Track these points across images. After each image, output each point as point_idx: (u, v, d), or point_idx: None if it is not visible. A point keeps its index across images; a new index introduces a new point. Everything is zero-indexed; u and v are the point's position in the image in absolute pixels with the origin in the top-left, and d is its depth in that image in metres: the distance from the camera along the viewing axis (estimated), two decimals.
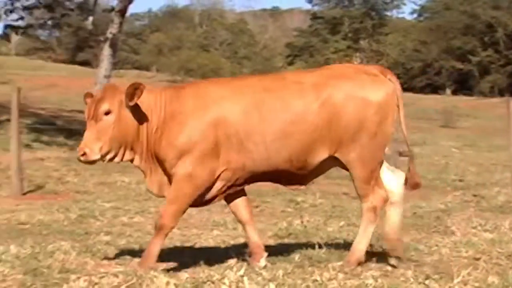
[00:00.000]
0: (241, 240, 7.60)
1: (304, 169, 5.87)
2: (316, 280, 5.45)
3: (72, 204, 10.32)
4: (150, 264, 5.70)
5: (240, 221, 6.30)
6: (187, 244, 7.69)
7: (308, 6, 67.06)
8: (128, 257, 6.53)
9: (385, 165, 6.09)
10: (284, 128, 5.70)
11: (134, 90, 5.61)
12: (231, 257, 6.44)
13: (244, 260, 6.17)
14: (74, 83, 36.84)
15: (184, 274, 5.52)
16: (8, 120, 14.59)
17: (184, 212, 5.86)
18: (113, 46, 22.06)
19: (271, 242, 7.56)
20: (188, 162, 5.64)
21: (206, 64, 54.40)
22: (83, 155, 5.64)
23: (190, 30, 73.51)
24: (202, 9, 78.81)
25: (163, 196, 5.91)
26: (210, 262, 6.33)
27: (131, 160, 5.87)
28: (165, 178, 5.83)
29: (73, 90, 33.80)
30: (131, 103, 5.62)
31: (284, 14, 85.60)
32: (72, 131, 21.42)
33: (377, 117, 5.78)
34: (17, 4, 23.51)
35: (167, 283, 5.23)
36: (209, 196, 5.89)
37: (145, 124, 5.75)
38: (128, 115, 5.69)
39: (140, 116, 5.73)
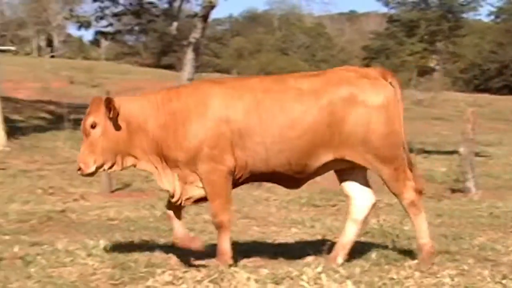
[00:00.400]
0: (319, 238, 7.58)
1: (302, 173, 5.83)
2: (393, 278, 5.39)
3: (157, 201, 10.46)
4: (226, 260, 5.75)
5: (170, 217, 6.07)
6: (266, 241, 7.70)
7: (384, 9, 66.13)
8: (209, 253, 6.58)
9: (358, 184, 6.03)
10: (282, 132, 5.63)
11: (108, 104, 5.62)
12: (309, 254, 6.42)
13: (321, 257, 6.14)
14: (158, 86, 37.39)
15: (264, 270, 5.52)
16: None
17: (229, 202, 5.76)
18: (196, 50, 22.30)
19: None
20: (205, 159, 5.61)
21: (284, 67, 54.43)
22: (79, 169, 5.72)
23: (269, 34, 73.69)
24: (281, 13, 78.95)
25: (177, 194, 5.82)
26: (288, 259, 6.33)
27: (134, 165, 5.87)
28: (175, 175, 5.78)
29: None
30: (110, 115, 5.63)
31: (360, 17, 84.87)
32: None
33: (382, 118, 5.71)
34: (107, 12, 24.01)
35: (248, 279, 5.25)
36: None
37: (141, 129, 5.71)
38: (113, 125, 5.68)
39: (128, 124, 5.70)
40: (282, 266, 5.72)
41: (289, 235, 8.10)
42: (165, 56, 62.28)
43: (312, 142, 5.64)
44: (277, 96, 5.67)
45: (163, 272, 5.52)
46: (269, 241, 7.75)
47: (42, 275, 5.54)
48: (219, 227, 5.80)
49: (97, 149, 5.66)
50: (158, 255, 6.42)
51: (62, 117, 19.11)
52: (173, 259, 6.29)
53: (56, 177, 12.40)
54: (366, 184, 6.08)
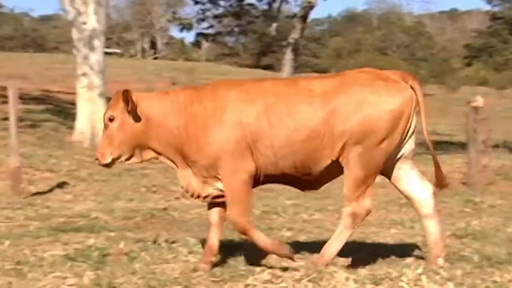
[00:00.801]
0: (419, 239, 7.45)
1: (310, 176, 5.70)
2: (496, 282, 5.24)
3: (256, 200, 10.52)
4: (281, 249, 5.69)
5: (209, 220, 6.04)
6: (366, 242, 7.63)
7: (487, 7, 64.44)
8: (308, 252, 6.58)
9: (414, 175, 5.85)
10: (289, 134, 5.54)
11: (126, 97, 5.64)
12: (409, 255, 6.32)
13: (422, 258, 6.03)
14: None
15: (363, 271, 5.48)
16: None
17: (249, 206, 5.70)
18: (295, 50, 22.36)
19: (449, 241, 7.34)
20: (225, 163, 5.57)
21: (383, 67, 53.75)
22: (97, 159, 5.79)
23: (368, 34, 73.05)
24: (380, 13, 78.09)
25: (192, 192, 5.82)
26: (388, 260, 6.25)
27: (156, 158, 5.88)
28: (191, 173, 5.76)
29: None
30: (129, 109, 5.65)
31: (462, 15, 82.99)
32: None
33: (388, 124, 5.52)
34: (208, 14, 24.40)
35: (347, 279, 5.22)
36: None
37: (160, 126, 5.71)
38: (131, 119, 5.70)
39: (146, 119, 5.71)
40: (381, 267, 5.66)
41: (388, 236, 8.00)
42: (264, 56, 62.69)
43: (316, 144, 5.54)
44: (286, 99, 5.59)
45: (263, 270, 5.55)
46: (368, 241, 7.67)
47: (146, 271, 5.67)
48: (245, 233, 5.77)
49: (114, 142, 5.72)
50: (257, 254, 6.46)
51: None
52: (272, 257, 6.32)
53: (159, 175, 12.66)
54: (417, 175, 5.88)
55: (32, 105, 24.33)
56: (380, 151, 5.52)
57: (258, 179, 5.71)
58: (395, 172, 5.85)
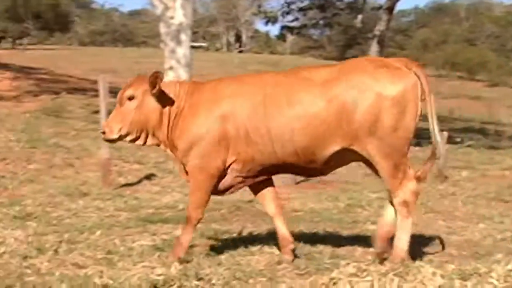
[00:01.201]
0: (508, 234, 7.26)
1: (314, 163, 5.68)
2: None
3: (341, 193, 10.49)
4: (180, 253, 5.71)
5: (268, 213, 6.08)
6: (453, 237, 7.49)
7: None
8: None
9: None
10: (287, 122, 5.54)
11: (155, 79, 5.72)
12: (498, 251, 6.16)
13: None
14: None
15: (450, 266, 5.36)
16: None
17: (206, 201, 5.78)
18: (381, 42, 22.09)
19: None
20: (197, 151, 5.66)
21: (471, 58, 52.55)
22: (103, 133, 5.90)
23: (455, 25, 71.44)
24: (468, 3, 76.26)
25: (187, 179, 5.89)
26: (476, 255, 6.11)
27: (157, 145, 5.98)
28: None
29: None
30: (154, 91, 5.74)
31: None
32: None
33: (394, 110, 5.45)
34: (293, 6, 24.38)
35: (434, 274, 5.13)
36: (223, 186, 5.84)
37: (166, 114, 5.84)
38: (150, 103, 5.82)
39: (162, 105, 5.83)
40: (470, 262, 5.54)
41: (476, 231, 7.82)
42: (349, 49, 62.17)
43: (318, 132, 5.52)
44: (285, 89, 5.62)
45: (348, 264, 5.51)
46: (456, 236, 7.52)
47: (231, 263, 5.72)
48: (187, 221, 5.81)
49: (126, 120, 5.83)
50: (342, 247, 6.43)
51: None
52: (357, 251, 6.28)
53: None
54: None
55: None
56: (398, 139, 5.49)
57: (249, 171, 5.76)
58: None
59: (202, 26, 77.50)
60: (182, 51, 16.85)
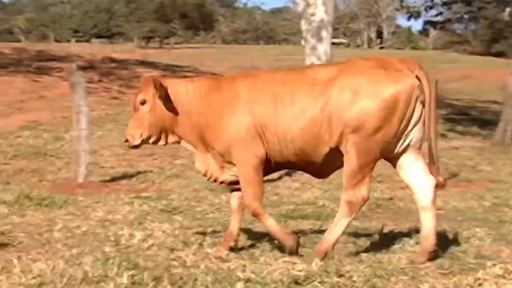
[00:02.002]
0: None
1: (313, 164, 5.77)
2: None
3: (486, 192, 10.16)
4: (285, 237, 5.85)
5: (231, 208, 6.21)
6: None
7: None
8: None
9: (418, 166, 5.73)
10: (290, 122, 5.65)
11: (156, 83, 5.88)
12: None
13: None
14: (488, 74, 36.20)
15: None
16: None
17: (260, 190, 5.85)
18: None
19: None
20: (236, 150, 5.77)
21: None
22: (126, 141, 6.06)
23: None
24: None
25: (210, 176, 6.04)
26: None
27: (178, 142, 6.11)
28: (210, 157, 5.97)
29: (487, 81, 33.21)
30: (159, 95, 5.88)
31: None
32: (485, 122, 21.09)
33: (382, 113, 5.45)
34: (437, 0, 23.78)
35: None
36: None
37: (184, 112, 5.95)
38: (161, 103, 5.94)
39: (174, 104, 5.95)
40: None
41: None
42: (495, 43, 59.90)
43: (313, 132, 5.60)
44: (290, 87, 5.70)
45: (494, 265, 5.33)
46: None
47: (372, 260, 5.67)
48: (256, 216, 5.95)
49: (144, 124, 5.98)
50: (487, 247, 6.22)
51: None
52: (504, 252, 6.06)
53: (383, 165, 12.61)
54: (421, 167, 5.75)
55: None
56: (375, 141, 5.51)
57: (269, 166, 5.87)
58: (399, 161, 5.79)
59: (342, 22, 77.18)
60: (323, 47, 16.84)
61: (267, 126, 5.73)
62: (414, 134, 5.68)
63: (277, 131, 5.71)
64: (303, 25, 17.09)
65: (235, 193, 6.14)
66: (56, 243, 6.21)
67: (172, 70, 30.97)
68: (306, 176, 11.81)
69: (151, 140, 6.09)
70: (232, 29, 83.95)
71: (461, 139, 18.49)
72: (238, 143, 5.78)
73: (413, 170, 5.78)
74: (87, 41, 69.47)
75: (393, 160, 5.82)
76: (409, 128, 5.63)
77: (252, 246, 6.28)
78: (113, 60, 33.45)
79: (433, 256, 5.73)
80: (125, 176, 11.79)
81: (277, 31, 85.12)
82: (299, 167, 5.98)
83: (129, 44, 65.40)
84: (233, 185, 6.08)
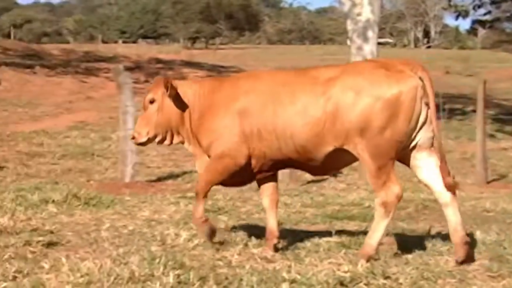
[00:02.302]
0: None
1: (314, 161, 5.84)
2: None
3: None
4: (197, 221, 6.03)
5: (263, 205, 6.30)
6: None
7: None
8: None
9: (431, 164, 5.73)
10: (290, 120, 5.72)
11: (167, 83, 6.04)
12: None
13: None
14: None
15: None
16: (474, 111, 14.68)
17: (213, 184, 6.02)
18: None
19: None
20: (217, 145, 5.91)
21: None
22: (133, 138, 6.28)
23: None
24: None
25: None
26: None
27: (182, 143, 6.27)
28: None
29: None
30: (168, 93, 6.05)
31: None
32: None
33: (386, 113, 5.51)
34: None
35: None
36: (237, 180, 6.13)
37: (188, 112, 6.13)
38: (169, 104, 6.12)
39: (181, 104, 6.12)
40: None
41: None
42: None
43: (314, 131, 5.67)
44: (292, 87, 5.80)
45: None
46: None
47: (419, 262, 5.61)
48: (196, 195, 6.08)
49: (151, 123, 6.16)
50: None
51: (438, 106, 19.22)
52: None
53: None
54: (435, 164, 5.73)
55: None
56: (385, 141, 5.55)
57: (262, 166, 5.97)
58: (412, 161, 5.83)
59: (389, 22, 76.59)
60: (369, 48, 16.73)
61: (264, 124, 5.82)
62: (421, 135, 5.71)
63: (275, 128, 5.79)
64: (349, 25, 17.02)
65: (264, 191, 6.21)
66: (103, 242, 6.27)
67: (217, 70, 31.13)
68: (352, 177, 11.84)
69: (157, 139, 6.25)
70: (278, 29, 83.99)
71: (509, 139, 18.21)
72: (220, 140, 5.93)
73: (427, 168, 5.79)
74: (134, 42, 70.25)
75: (405, 160, 5.85)
76: (417, 129, 5.67)
77: (297, 247, 6.27)
78: (159, 61, 33.78)
79: (470, 249, 5.71)
80: (171, 176, 11.89)
81: (323, 31, 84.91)
82: (299, 165, 6.03)
83: (175, 44, 65.96)
84: (261, 182, 6.19)
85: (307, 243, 6.37)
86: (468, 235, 5.81)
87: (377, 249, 5.72)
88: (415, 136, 5.70)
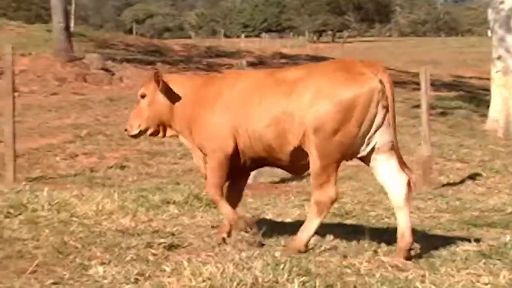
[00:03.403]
0: None
1: (282, 160, 6.31)
2: None
3: None
4: (232, 221, 6.44)
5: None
6: None
7: None
8: None
9: (390, 167, 6.07)
10: (257, 120, 6.20)
11: (157, 78, 6.57)
12: None
13: None
14: None
15: None
16: None
17: (222, 183, 6.45)
18: None
19: None
20: (208, 143, 6.42)
21: None
22: (126, 130, 6.81)
23: None
24: None
25: (203, 173, 6.68)
26: None
27: (176, 136, 6.83)
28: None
29: None
30: (159, 88, 6.59)
31: None
32: None
33: (339, 115, 5.90)
34: None
35: None
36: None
37: (179, 107, 6.63)
38: (160, 98, 6.65)
39: (171, 100, 6.64)
40: None
41: None
42: None
43: (278, 131, 6.12)
44: (261, 88, 6.27)
45: None
46: None
47: None
48: (214, 202, 6.69)
49: (143, 116, 6.71)
50: None
51: None
52: None
53: None
54: (393, 167, 6.08)
55: (443, 92, 24.68)
56: (335, 143, 5.95)
57: (245, 163, 6.46)
58: (371, 163, 6.15)
59: None
60: None
61: (240, 123, 6.31)
62: (378, 138, 6.01)
63: (247, 128, 6.29)
64: (490, 15, 16.58)
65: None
66: (225, 246, 6.39)
67: None
68: (493, 180, 11.50)
69: (148, 132, 6.80)
70: (410, 20, 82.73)
71: None
72: (211, 138, 6.42)
73: (384, 171, 6.12)
74: (257, 36, 71.07)
75: (366, 161, 6.19)
76: (371, 132, 5.98)
77: (431, 255, 6.16)
78: (283, 56, 34.06)
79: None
80: (295, 177, 11.94)
81: (460, 21, 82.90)
82: (271, 163, 6.52)
83: (300, 38, 66.27)
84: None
85: (443, 251, 6.26)
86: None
87: (306, 246, 6.15)
88: (370, 139, 6.01)
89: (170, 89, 6.66)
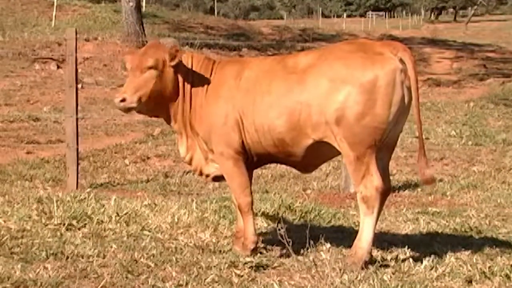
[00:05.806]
0: None
1: (293, 156, 6.60)
2: None
3: None
4: (248, 245, 6.78)
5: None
6: None
7: None
8: None
9: (383, 161, 6.51)
10: (266, 111, 6.50)
11: (175, 52, 6.74)
12: None
13: None
14: None
15: None
16: None
17: (246, 183, 6.77)
18: None
19: None
20: (214, 137, 6.73)
21: None
22: (122, 100, 6.69)
23: None
24: None
25: (195, 167, 7.04)
26: None
27: (165, 120, 7.07)
28: (196, 145, 6.95)
29: None
30: (172, 64, 6.75)
31: None
32: None
33: (362, 97, 6.20)
34: None
35: None
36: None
37: (186, 88, 6.87)
38: (170, 74, 6.81)
39: (179, 77, 6.86)
40: None
41: None
42: None
43: (291, 123, 6.41)
44: (269, 75, 6.57)
45: None
46: None
47: None
48: (241, 209, 6.86)
49: (146, 89, 6.74)
50: None
51: None
52: None
53: None
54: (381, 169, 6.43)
55: None
56: (363, 129, 6.23)
57: (251, 159, 6.78)
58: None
59: None
60: None
61: (245, 114, 6.61)
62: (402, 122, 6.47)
63: (254, 120, 6.58)
64: None
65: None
66: (323, 267, 6.39)
67: (469, 50, 30.67)
68: None
69: (145, 108, 6.88)
70: None
71: None
72: (216, 130, 6.70)
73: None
74: (362, 15, 70.78)
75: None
76: (401, 115, 6.35)
77: None
78: (394, 39, 33.81)
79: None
80: (407, 186, 11.84)
81: None
82: (281, 159, 6.82)
83: (414, 18, 65.64)
84: (219, 180, 7.08)
85: None
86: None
87: (370, 253, 6.35)
88: (398, 124, 6.39)
89: (181, 66, 6.87)
